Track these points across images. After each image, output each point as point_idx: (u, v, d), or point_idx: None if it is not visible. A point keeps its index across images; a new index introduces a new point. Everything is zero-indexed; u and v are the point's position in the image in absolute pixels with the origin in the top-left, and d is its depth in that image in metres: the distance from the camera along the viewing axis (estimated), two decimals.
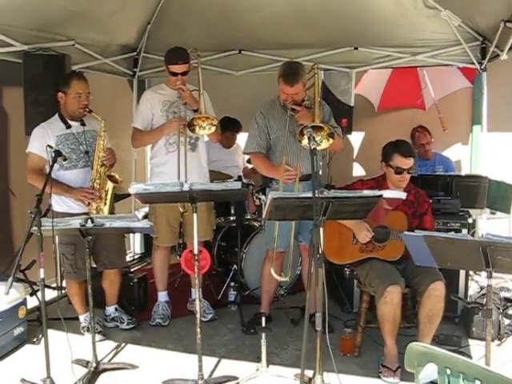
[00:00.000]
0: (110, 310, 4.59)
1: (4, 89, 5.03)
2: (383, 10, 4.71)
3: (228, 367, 3.96)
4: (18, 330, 4.20)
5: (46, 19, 4.28)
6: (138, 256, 6.24)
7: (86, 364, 3.82)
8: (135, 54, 5.60)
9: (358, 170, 6.70)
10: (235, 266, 5.06)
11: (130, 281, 4.80)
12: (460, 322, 4.59)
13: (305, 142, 3.98)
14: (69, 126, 4.19)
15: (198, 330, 3.61)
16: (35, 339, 4.28)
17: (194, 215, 3.51)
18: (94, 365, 3.78)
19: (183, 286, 5.23)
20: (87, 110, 4.15)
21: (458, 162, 6.10)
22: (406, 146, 4.08)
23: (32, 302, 4.54)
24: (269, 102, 4.41)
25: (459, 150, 6.16)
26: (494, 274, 5.21)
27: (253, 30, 5.14)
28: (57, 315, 3.75)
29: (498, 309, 4.39)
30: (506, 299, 4.81)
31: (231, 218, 5.27)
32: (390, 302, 3.75)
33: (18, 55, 4.37)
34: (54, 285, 5.09)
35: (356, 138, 6.37)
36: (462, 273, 4.62)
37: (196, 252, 3.55)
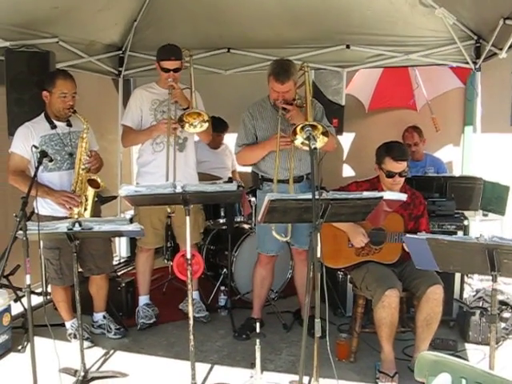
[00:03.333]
0: (98, 316, 4.44)
1: None
2: (377, 8, 4.62)
3: (221, 374, 3.85)
4: (3, 338, 4.07)
5: (30, 16, 4.12)
6: (124, 260, 6.08)
7: (74, 373, 3.69)
8: (121, 52, 5.44)
9: (348, 171, 6.60)
10: (225, 270, 4.93)
11: (118, 286, 4.66)
12: (455, 326, 4.53)
13: (297, 141, 3.89)
14: (54, 127, 4.03)
15: (191, 336, 3.46)
16: (20, 347, 4.13)
17: (187, 218, 3.39)
18: (83, 373, 3.65)
19: (172, 291, 5.11)
20: (72, 110, 3.99)
21: (449, 163, 6.04)
22: (398, 148, 3.98)
23: (16, 309, 4.36)
24: (258, 102, 4.30)
25: (451, 150, 6.10)
26: (482, 277, 5.25)
27: (242, 29, 5.03)
28: (42, 322, 3.59)
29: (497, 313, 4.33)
30: (501, 302, 4.75)
31: (221, 221, 5.15)
32: (388, 306, 3.66)
33: (0, 52, 4.19)
34: (40, 290, 4.92)
35: (347, 139, 6.28)
36: (458, 276, 4.55)
37: (189, 256, 3.44)
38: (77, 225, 3.41)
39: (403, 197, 3.44)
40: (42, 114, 4.05)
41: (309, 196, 3.12)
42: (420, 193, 4.21)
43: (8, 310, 4.13)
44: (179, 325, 4.58)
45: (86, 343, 4.13)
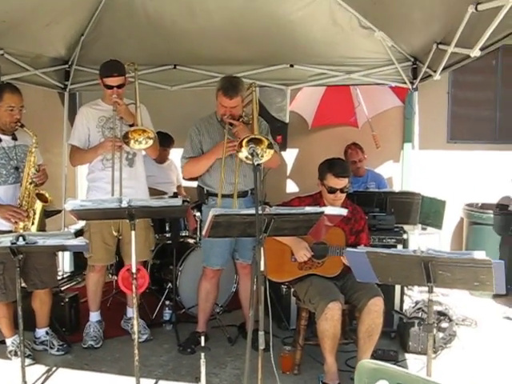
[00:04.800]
0: (41, 332, 4.36)
1: None
2: (319, 29, 4.76)
3: None
4: None
5: None
6: (67, 275, 5.99)
7: None
8: (67, 66, 5.40)
9: (291, 187, 6.73)
10: (170, 284, 4.94)
11: (61, 300, 4.59)
12: (396, 337, 4.68)
13: (242, 154, 3.96)
14: None
15: (136, 351, 3.44)
16: None
17: (132, 233, 3.39)
18: None
19: (116, 306, 5.07)
20: (19, 124, 3.97)
21: (389, 179, 6.25)
22: (340, 165, 4.10)
23: None
24: (205, 117, 4.38)
25: (391, 166, 6.32)
26: (422, 289, 5.42)
27: (188, 45, 5.07)
28: None
29: (433, 323, 4.50)
30: (439, 312, 4.94)
31: (166, 235, 5.16)
32: (331, 318, 3.76)
33: None
34: None
35: (290, 155, 6.42)
36: (398, 288, 4.71)
37: (134, 271, 3.45)
38: (21, 239, 3.38)
39: (344, 212, 3.55)
40: None
41: (252, 211, 3.20)
42: (361, 208, 4.36)
43: None
44: (123, 340, 4.56)
45: (28, 360, 4.03)
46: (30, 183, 3.97)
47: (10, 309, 4.15)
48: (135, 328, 3.44)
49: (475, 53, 3.18)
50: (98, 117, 4.36)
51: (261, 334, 3.20)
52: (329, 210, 3.46)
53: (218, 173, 4.23)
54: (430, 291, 3.19)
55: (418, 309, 4.66)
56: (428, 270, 3.10)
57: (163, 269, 5.22)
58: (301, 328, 4.15)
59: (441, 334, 4.66)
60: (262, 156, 3.97)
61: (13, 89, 4.01)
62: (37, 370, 4.06)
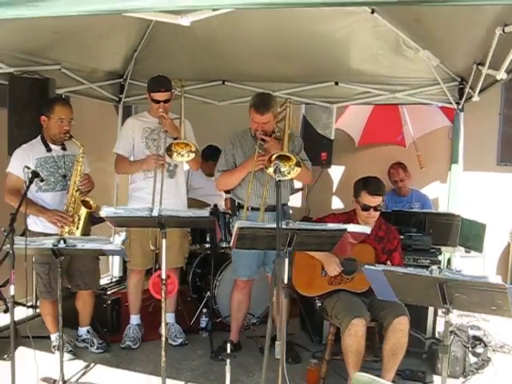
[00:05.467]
0: (83, 331, 4.64)
1: None
2: (363, 47, 4.85)
3: None
4: None
5: (34, 42, 4.42)
6: (116, 279, 6.27)
7: (52, 382, 3.88)
8: (122, 80, 5.72)
9: (337, 204, 6.77)
10: (208, 293, 5.11)
11: (104, 302, 4.86)
12: (427, 358, 4.64)
13: (270, 170, 4.09)
14: (49, 150, 4.29)
15: (163, 353, 3.65)
16: (6, 356, 4.31)
17: (163, 241, 3.58)
18: (61, 383, 3.81)
19: (157, 310, 5.25)
20: (68, 135, 4.26)
21: (435, 200, 6.19)
22: (374, 183, 4.15)
23: (6, 320, 4.58)
24: (240, 132, 4.54)
25: (438, 187, 6.25)
26: (461, 312, 5.33)
27: (236, 62, 5.27)
28: (32, 333, 3.85)
29: (465, 346, 4.45)
30: (475, 337, 4.88)
31: (207, 246, 5.33)
32: (355, 334, 3.80)
33: (4, 77, 4.48)
34: (30, 303, 5.14)
35: (336, 172, 6.47)
36: (431, 309, 4.68)
37: (164, 276, 3.63)
38: (62, 242, 3.64)
39: (367, 230, 3.61)
40: (39, 137, 4.32)
41: (274, 225, 3.32)
42: (398, 227, 4.39)
43: None
44: (159, 343, 4.65)
45: (69, 355, 4.37)
46: (76, 190, 4.24)
47: (54, 307, 4.40)
48: (163, 331, 3.64)
49: (501, 75, 3.18)
50: (143, 128, 4.61)
51: (278, 343, 3.29)
52: (351, 227, 3.53)
53: (247, 187, 4.36)
54: (447, 313, 3.19)
55: (451, 332, 4.61)
56: (443, 292, 3.11)
57: (204, 278, 5.39)
58: (328, 342, 4.20)
59: (474, 359, 4.61)
60: (289, 173, 4.12)
61: (63, 102, 4.33)
62: (76, 366, 4.33)
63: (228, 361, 3.73)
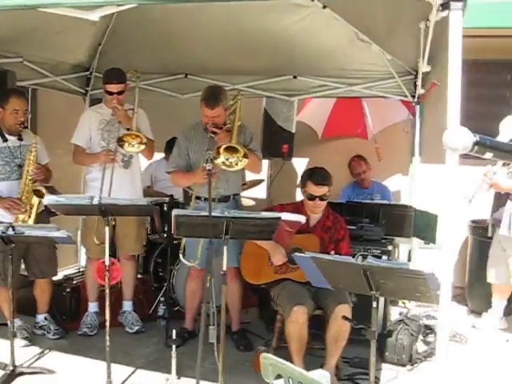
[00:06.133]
0: (40, 317, 4.75)
1: None
2: (318, 42, 4.91)
3: (141, 377, 4.13)
4: None
5: None
6: (83, 269, 6.36)
7: (4, 367, 3.98)
8: (88, 73, 5.81)
9: (300, 195, 6.81)
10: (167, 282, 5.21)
11: (63, 290, 4.97)
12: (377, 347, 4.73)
13: (219, 160, 4.20)
14: (5, 140, 4.40)
15: (108, 337, 3.77)
16: None
17: (106, 228, 3.69)
18: (11, 368, 3.94)
19: (118, 298, 5.38)
20: (23, 126, 4.37)
21: (397, 192, 6.25)
22: (319, 173, 4.26)
23: None
24: (192, 125, 4.64)
25: (400, 180, 6.32)
26: (424, 304, 5.39)
27: (197, 56, 5.35)
28: None
29: (412, 335, 4.54)
30: (426, 326, 4.97)
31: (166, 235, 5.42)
32: (296, 321, 3.91)
33: None
34: None
35: (300, 164, 6.53)
36: (382, 299, 4.75)
37: (107, 263, 3.74)
38: (10, 229, 3.76)
39: (301, 218, 3.72)
40: None
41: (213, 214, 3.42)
42: (343, 218, 4.48)
43: None
44: (117, 330, 4.80)
45: (24, 342, 4.49)
46: (30, 180, 4.35)
47: (12, 294, 4.53)
48: (107, 316, 3.76)
49: (425, 68, 3.27)
50: (99, 119, 4.72)
51: (212, 327, 3.42)
52: (286, 215, 3.64)
53: None
54: (374, 299, 3.28)
55: (400, 320, 4.70)
56: (368, 279, 3.20)
57: (165, 268, 5.48)
58: (276, 330, 4.31)
59: (424, 347, 4.71)
60: (237, 164, 4.24)
61: (18, 93, 4.42)
62: (32, 352, 4.42)
63: (174, 347, 3.85)
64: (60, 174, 5.36)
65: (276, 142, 5.77)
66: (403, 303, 5.64)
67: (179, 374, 3.96)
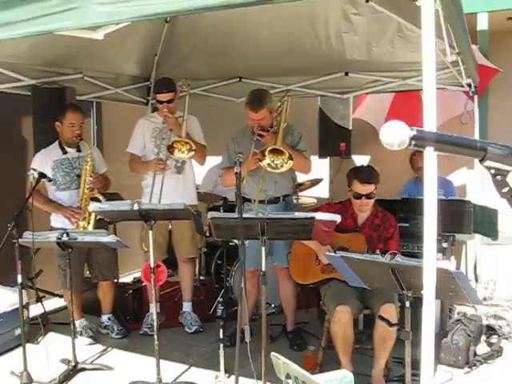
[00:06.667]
0: (104, 318, 5.03)
1: (17, 118, 5.69)
2: (366, 36, 4.82)
3: (193, 375, 4.27)
4: (19, 331, 4.70)
5: (51, 56, 4.80)
6: None
7: (67, 362, 4.27)
8: (148, 83, 6.04)
9: None
10: (227, 283, 5.32)
11: (126, 292, 5.22)
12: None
13: (265, 162, 4.25)
14: (65, 152, 4.71)
15: (155, 336, 3.94)
16: (35, 340, 4.79)
17: (150, 232, 3.85)
18: (73, 364, 4.23)
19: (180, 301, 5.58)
20: (80, 138, 4.66)
21: (463, 187, 6.00)
22: (365, 171, 4.21)
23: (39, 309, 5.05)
24: (240, 128, 4.71)
25: (466, 174, 6.05)
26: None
27: (250, 60, 5.42)
28: (62, 320, 4.66)
29: (469, 336, 4.35)
30: (488, 327, 4.75)
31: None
32: (339, 321, 3.89)
33: (27, 89, 4.94)
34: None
35: (361, 162, 6.40)
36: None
37: (152, 266, 3.90)
38: (65, 235, 4.02)
39: (336, 218, 3.67)
40: (57, 142, 4.73)
41: (245, 215, 3.49)
42: (392, 215, 4.38)
43: (25, 307, 4.73)
44: (177, 330, 5.08)
45: (89, 340, 4.79)
46: (87, 188, 4.61)
47: (78, 296, 4.83)
48: (154, 316, 3.95)
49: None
50: (152, 128, 4.91)
51: (246, 327, 3.50)
52: (320, 215, 3.61)
53: (253, 181, 4.53)
54: (406, 299, 3.21)
55: (457, 320, 4.52)
56: (397, 277, 3.13)
57: (225, 269, 5.60)
58: (324, 330, 4.29)
59: (487, 349, 4.50)
60: (282, 166, 4.28)
61: (74, 108, 4.70)
62: (95, 349, 4.71)
63: (221, 346, 3.97)
64: (127, 181, 5.68)
65: (333, 140, 5.72)
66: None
67: (229, 373, 4.07)
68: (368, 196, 4.16)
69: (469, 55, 4.35)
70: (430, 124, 2.20)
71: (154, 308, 3.94)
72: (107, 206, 3.86)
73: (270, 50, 5.26)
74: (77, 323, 4.91)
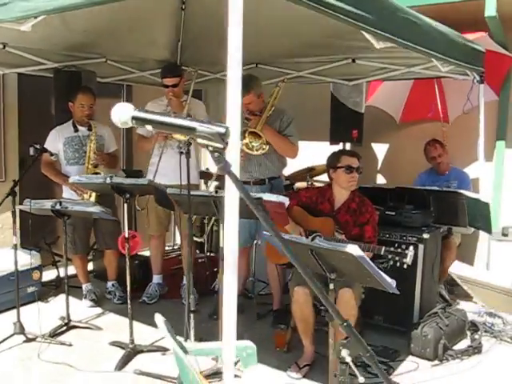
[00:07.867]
0: (109, 284, 5.45)
1: (40, 97, 6.21)
2: None
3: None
4: (31, 289, 5.20)
5: (71, 42, 5.13)
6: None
7: (62, 319, 4.70)
8: None
9: (381, 180, 6.56)
10: None
11: (133, 262, 5.53)
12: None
13: (243, 141, 4.44)
14: (77, 130, 5.12)
15: (129, 305, 4.25)
16: (46, 299, 5.33)
17: (125, 205, 4.14)
18: (66, 321, 4.67)
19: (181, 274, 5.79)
20: (89, 118, 5.07)
21: (477, 179, 5.73)
22: (349, 150, 4.28)
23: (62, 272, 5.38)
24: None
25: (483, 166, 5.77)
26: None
27: (266, 46, 5.50)
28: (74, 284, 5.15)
29: (441, 329, 4.26)
30: (472, 323, 4.61)
31: None
32: (296, 301, 4.02)
33: (50, 71, 5.43)
34: None
35: (379, 149, 6.32)
36: (418, 285, 4.53)
37: (126, 235, 4.21)
38: (57, 204, 4.43)
39: (284, 200, 3.75)
40: (71, 120, 5.16)
41: (199, 193, 3.72)
42: (370, 201, 4.35)
43: (38, 268, 5.28)
44: (175, 302, 5.34)
45: (90, 303, 5.23)
46: (91, 164, 5.01)
47: (83, 261, 5.28)
48: (128, 286, 4.24)
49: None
50: (160, 110, 5.17)
51: (192, 297, 3.70)
52: (267, 196, 3.71)
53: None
54: (330, 282, 3.25)
55: (435, 313, 4.43)
56: (317, 260, 3.17)
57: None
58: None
59: (467, 343, 4.41)
60: (258, 149, 4.44)
61: (84, 90, 5.09)
62: (95, 311, 5.15)
63: (192, 315, 4.18)
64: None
65: (345, 127, 5.71)
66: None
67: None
68: (358, 170, 4.18)
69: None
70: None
71: (128, 278, 4.23)
72: (84, 178, 4.21)
73: (279, 39, 5.33)
74: (83, 287, 5.37)
